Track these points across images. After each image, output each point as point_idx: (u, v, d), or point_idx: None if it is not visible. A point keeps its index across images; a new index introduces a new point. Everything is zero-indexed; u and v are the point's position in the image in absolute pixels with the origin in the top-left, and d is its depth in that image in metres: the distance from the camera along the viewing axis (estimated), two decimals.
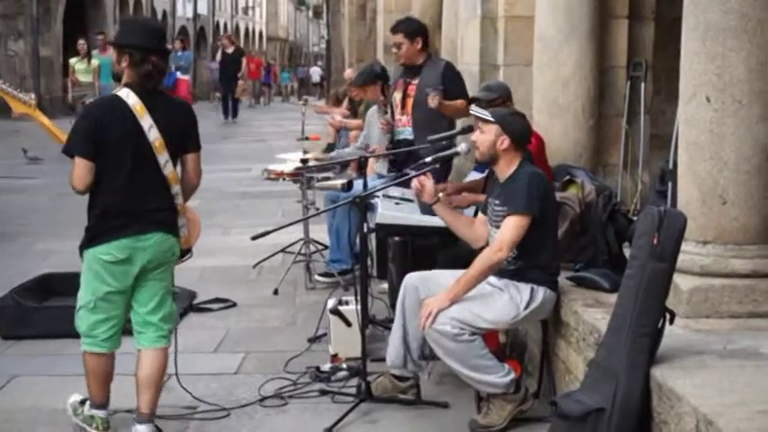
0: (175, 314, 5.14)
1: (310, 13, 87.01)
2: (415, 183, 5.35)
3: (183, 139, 4.81)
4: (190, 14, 48.62)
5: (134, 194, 4.65)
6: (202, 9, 51.07)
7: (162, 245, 4.79)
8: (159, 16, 43.18)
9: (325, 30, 46.89)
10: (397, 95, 7.43)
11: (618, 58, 7.37)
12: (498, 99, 5.99)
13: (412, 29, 7.40)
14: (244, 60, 27.63)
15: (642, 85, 7.33)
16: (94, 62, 19.01)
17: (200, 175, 4.93)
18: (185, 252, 5.00)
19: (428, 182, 5.31)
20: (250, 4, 66.69)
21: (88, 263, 4.76)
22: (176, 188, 4.78)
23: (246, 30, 65.59)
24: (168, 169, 4.71)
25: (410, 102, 7.28)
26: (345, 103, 14.06)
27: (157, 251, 4.78)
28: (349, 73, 14.74)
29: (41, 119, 5.14)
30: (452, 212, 5.48)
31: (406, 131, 7.31)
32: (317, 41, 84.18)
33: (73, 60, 19.61)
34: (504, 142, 5.03)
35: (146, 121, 4.62)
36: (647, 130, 7.50)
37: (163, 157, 4.67)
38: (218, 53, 26.02)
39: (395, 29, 7.46)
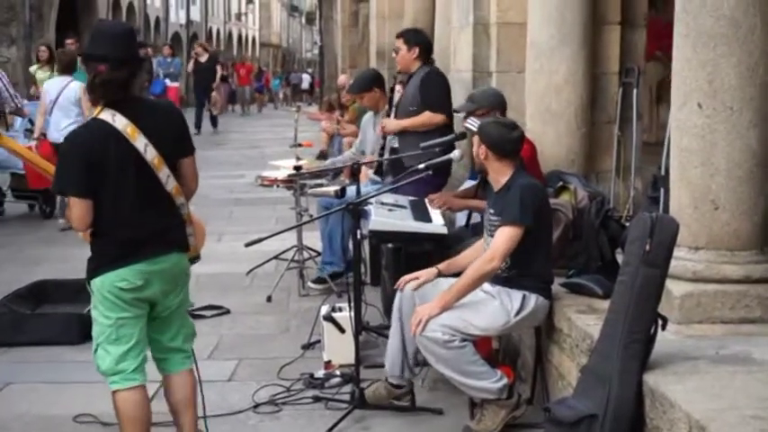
0: (194, 327, 4.79)
1: (303, 20, 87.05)
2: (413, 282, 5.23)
3: (177, 144, 4.46)
4: (183, 21, 48.59)
5: (142, 219, 4.30)
6: (195, 15, 51.03)
7: (177, 266, 4.47)
8: (152, 22, 43.23)
9: (317, 36, 46.90)
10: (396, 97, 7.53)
11: (610, 64, 7.37)
12: (479, 109, 5.96)
13: (412, 37, 7.49)
14: (218, 69, 26.24)
15: (634, 91, 7.34)
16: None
17: (197, 178, 4.61)
18: (194, 260, 4.71)
19: (420, 275, 5.22)
20: (243, 11, 66.70)
21: (100, 293, 4.31)
22: (180, 199, 4.44)
23: (239, 36, 65.60)
24: (171, 184, 4.36)
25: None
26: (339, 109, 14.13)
27: (174, 273, 4.45)
28: (342, 80, 14.78)
29: (9, 144, 4.87)
30: (454, 263, 5.35)
31: (392, 140, 7.37)
32: (309, 47, 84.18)
33: (33, 68, 15.28)
34: (483, 152, 5.05)
35: (140, 142, 4.24)
36: (640, 137, 7.51)
37: (164, 174, 4.32)
38: (190, 62, 24.31)
39: (399, 34, 7.60)
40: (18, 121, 12.30)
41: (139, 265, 4.30)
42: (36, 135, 11.25)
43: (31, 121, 11.94)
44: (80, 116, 10.77)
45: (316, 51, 58.67)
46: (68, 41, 16.04)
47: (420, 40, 7.50)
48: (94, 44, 4.35)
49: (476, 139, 5.10)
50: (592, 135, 7.24)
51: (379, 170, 7.84)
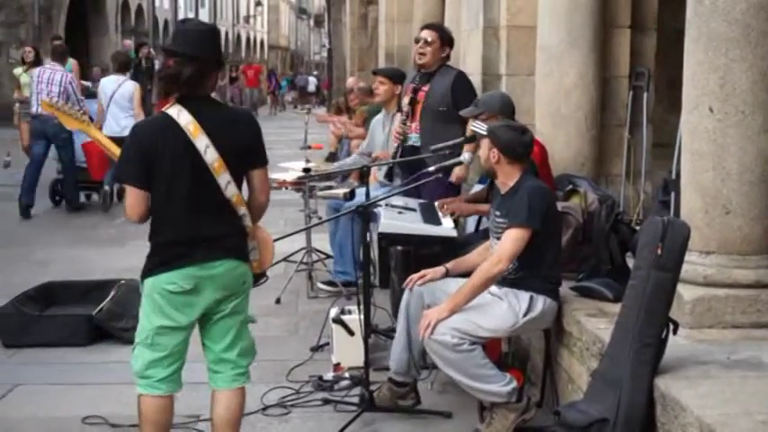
0: (254, 346, 4.65)
1: (311, 22, 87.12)
2: (419, 280, 5.27)
3: (247, 155, 4.30)
4: None
5: (195, 221, 4.20)
6: (204, 18, 51.12)
7: (231, 273, 4.32)
8: (161, 25, 43.33)
9: (326, 38, 46.91)
10: (405, 100, 7.38)
11: (620, 67, 7.36)
12: (483, 114, 5.92)
13: (446, 34, 7.39)
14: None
15: (645, 94, 7.32)
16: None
17: (267, 192, 4.44)
18: (259, 276, 4.57)
19: (428, 273, 5.26)
20: (251, 13, 66.77)
21: (148, 293, 4.26)
22: (243, 210, 4.29)
23: (248, 38, 65.68)
24: (231, 191, 4.22)
25: (419, 108, 7.23)
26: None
27: (227, 280, 4.31)
28: (351, 82, 14.75)
29: (95, 134, 4.94)
30: (462, 262, 5.37)
31: (412, 138, 7.25)
32: (318, 50, 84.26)
33: (18, 71, 15.07)
34: (495, 155, 5.05)
35: (201, 142, 4.13)
36: (650, 140, 7.50)
37: (223, 179, 4.19)
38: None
39: (429, 26, 7.42)
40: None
41: (190, 269, 4.20)
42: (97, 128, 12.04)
43: (91, 118, 12.28)
44: (132, 110, 12.28)
45: (324, 54, 58.74)
46: (56, 42, 16.44)
47: (451, 40, 7.41)
48: (171, 39, 4.39)
49: (485, 142, 5.09)
50: (602, 138, 7.23)
51: (389, 174, 7.78)
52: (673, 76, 10.71)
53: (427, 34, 7.25)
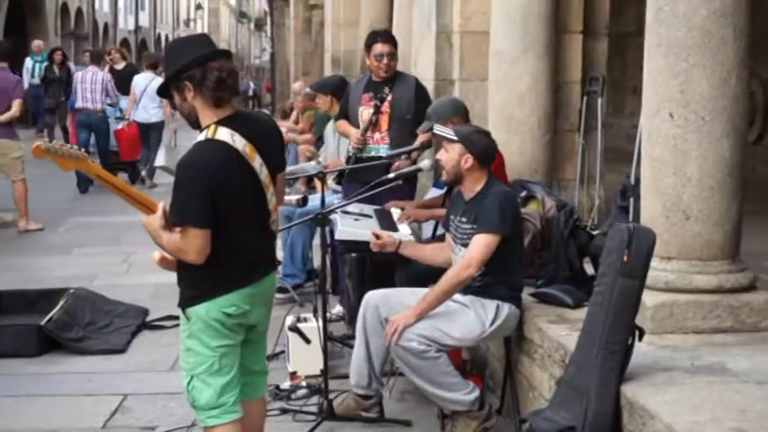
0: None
1: (252, 26, 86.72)
2: (373, 244, 5.36)
3: (279, 159, 4.17)
4: (131, 27, 48.26)
5: (256, 242, 4.06)
6: (144, 21, 50.72)
7: (273, 286, 4.25)
8: (101, 28, 42.85)
9: (267, 42, 46.75)
10: (366, 111, 7.14)
11: (572, 73, 7.37)
12: (440, 121, 5.84)
13: (396, 42, 7.30)
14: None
15: (599, 100, 7.35)
16: None
17: (283, 193, 4.40)
18: None
19: (383, 235, 5.34)
20: (192, 17, 66.36)
21: (203, 320, 3.96)
22: (275, 216, 4.14)
23: None
24: (273, 202, 4.08)
25: (385, 118, 7.07)
26: (293, 116, 14.03)
27: (270, 294, 4.23)
28: (297, 86, 14.68)
29: (92, 168, 4.13)
30: (417, 248, 5.45)
31: (380, 149, 7.05)
32: (258, 54, 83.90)
33: None
34: (468, 161, 5.00)
35: (257, 162, 3.94)
36: (603, 145, 7.53)
37: (270, 192, 4.04)
38: (104, 69, 18.04)
39: (386, 39, 7.22)
40: (109, 110, 15.56)
41: (249, 290, 4.01)
42: (127, 117, 15.37)
43: (121, 110, 15.85)
44: (161, 103, 14.80)
45: (265, 58, 58.58)
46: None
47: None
48: (180, 53, 4.01)
49: (456, 147, 5.01)
50: (554, 144, 7.24)
51: (339, 179, 7.70)
52: (615, 79, 10.85)
53: (389, 48, 7.12)
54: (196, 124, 4.01)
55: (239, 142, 3.89)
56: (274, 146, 4.13)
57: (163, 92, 4.14)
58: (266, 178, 4.01)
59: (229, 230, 3.89)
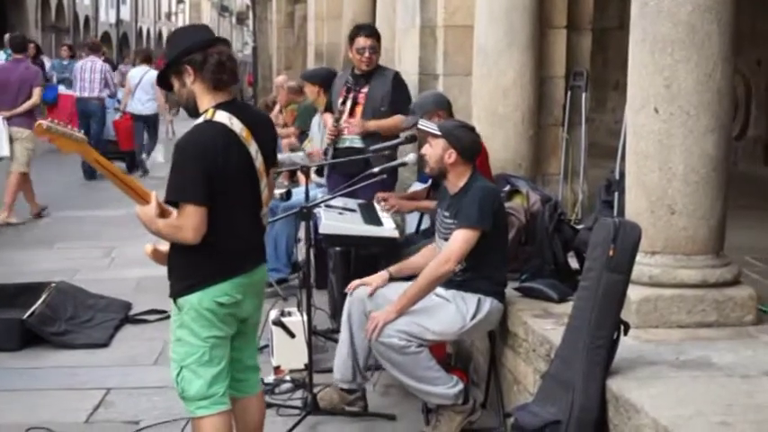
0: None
1: (233, 20, 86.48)
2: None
3: (273, 153, 4.20)
4: (113, 20, 48.05)
5: (249, 229, 4.08)
6: (125, 15, 50.51)
7: (264, 277, 4.27)
8: (81, 22, 42.64)
9: (249, 36, 46.61)
10: (339, 100, 7.29)
11: (556, 67, 7.39)
12: (424, 115, 5.85)
13: (380, 36, 7.36)
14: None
15: (583, 94, 7.36)
16: None
17: (273, 190, 4.42)
18: None
19: (374, 282, 5.22)
20: (173, 10, 66.17)
21: (195, 309, 3.96)
22: (266, 209, 4.18)
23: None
24: (265, 193, 4.11)
25: (359, 110, 7.18)
26: (276, 109, 13.99)
27: (261, 286, 4.25)
28: (280, 80, 14.64)
29: (90, 154, 4.00)
30: (405, 263, 5.36)
31: (354, 140, 7.18)
32: (240, 47, 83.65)
33: None
34: (452, 156, 4.99)
35: (253, 148, 3.99)
36: (587, 140, 7.54)
37: (263, 182, 4.08)
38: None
39: (369, 33, 7.29)
40: (108, 101, 16.30)
41: (240, 279, 4.02)
42: (122, 109, 16.24)
43: (119, 101, 16.60)
44: (154, 94, 15.78)
45: (246, 52, 58.31)
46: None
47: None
48: (183, 41, 4.09)
49: (439, 142, 5.02)
50: (538, 138, 7.25)
51: (321, 171, 7.72)
52: (597, 74, 10.86)
53: (372, 42, 7.20)
54: (194, 111, 4.05)
55: (237, 125, 3.94)
56: (268, 137, 4.17)
57: (162, 81, 4.20)
58: (261, 166, 4.04)
59: (223, 215, 3.91)
